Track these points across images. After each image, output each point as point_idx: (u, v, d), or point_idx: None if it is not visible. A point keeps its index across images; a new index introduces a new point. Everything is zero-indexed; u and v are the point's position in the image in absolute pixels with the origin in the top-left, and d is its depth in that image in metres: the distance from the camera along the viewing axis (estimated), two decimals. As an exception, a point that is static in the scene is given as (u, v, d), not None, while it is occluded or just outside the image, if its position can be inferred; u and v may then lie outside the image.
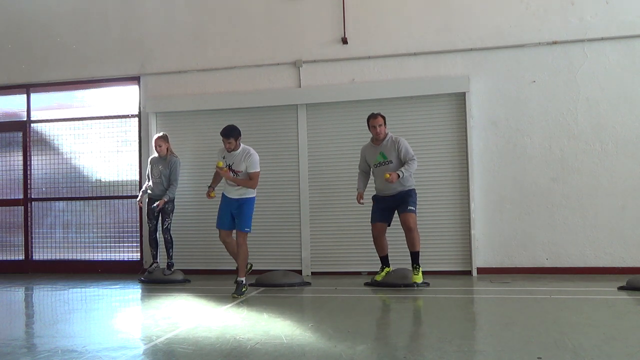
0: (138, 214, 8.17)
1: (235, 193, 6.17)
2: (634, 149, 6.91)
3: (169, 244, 7.19)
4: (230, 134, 6.01)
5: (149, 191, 7.32)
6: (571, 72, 7.09)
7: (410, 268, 6.40)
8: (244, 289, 6.00)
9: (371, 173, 6.64)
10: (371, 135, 6.55)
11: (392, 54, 7.53)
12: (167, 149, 7.22)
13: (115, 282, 7.28)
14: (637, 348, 3.74)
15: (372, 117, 6.46)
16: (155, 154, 7.32)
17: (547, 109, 7.13)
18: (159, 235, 7.29)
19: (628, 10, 6.99)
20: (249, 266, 6.49)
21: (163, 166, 7.20)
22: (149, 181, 7.37)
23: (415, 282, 6.29)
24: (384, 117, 6.46)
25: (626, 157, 6.92)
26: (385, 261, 6.57)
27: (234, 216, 6.17)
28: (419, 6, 7.51)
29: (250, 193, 6.18)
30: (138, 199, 7.56)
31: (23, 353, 4.03)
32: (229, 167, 6.12)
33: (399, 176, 6.09)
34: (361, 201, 6.57)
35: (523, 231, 7.12)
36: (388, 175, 6.05)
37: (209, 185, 6.45)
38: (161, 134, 7.32)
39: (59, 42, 8.54)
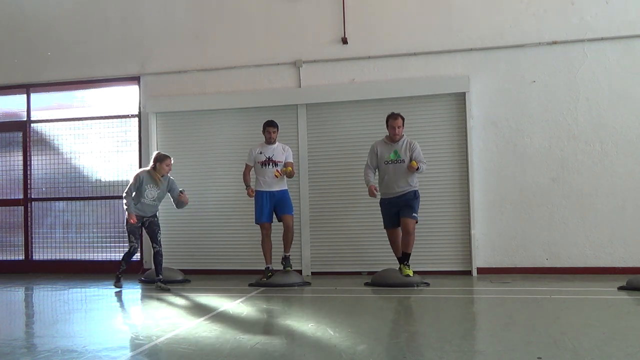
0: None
1: (277, 186, 6.83)
2: (634, 149, 6.91)
3: (160, 257, 6.69)
4: (276, 124, 6.89)
5: (139, 210, 6.64)
6: (571, 72, 7.09)
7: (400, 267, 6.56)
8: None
9: (376, 171, 6.68)
10: (380, 126, 6.76)
11: (392, 54, 7.53)
12: None
13: (115, 282, 7.28)
14: (637, 348, 3.74)
15: (392, 118, 6.58)
16: (145, 174, 6.71)
17: (547, 109, 7.12)
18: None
19: (628, 10, 6.98)
20: (269, 274, 6.83)
21: (161, 189, 6.71)
22: (133, 198, 6.66)
23: (415, 283, 6.39)
24: (403, 119, 6.59)
25: (626, 157, 6.92)
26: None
27: (278, 206, 6.82)
28: (419, 6, 7.50)
29: (285, 185, 6.92)
30: (133, 218, 6.58)
31: (23, 353, 4.03)
32: (269, 159, 6.78)
33: (418, 168, 6.34)
34: (376, 193, 6.59)
35: (523, 231, 7.12)
36: (414, 163, 6.29)
37: (247, 186, 6.89)
38: (166, 154, 6.84)
39: (59, 42, 8.54)
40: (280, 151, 6.87)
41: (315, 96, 7.62)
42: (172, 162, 6.80)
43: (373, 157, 6.67)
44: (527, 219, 7.11)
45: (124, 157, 8.34)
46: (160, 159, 6.73)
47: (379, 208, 6.71)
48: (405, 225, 6.44)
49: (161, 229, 6.89)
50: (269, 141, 6.87)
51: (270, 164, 6.80)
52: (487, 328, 4.69)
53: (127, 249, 6.77)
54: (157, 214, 6.89)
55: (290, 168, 6.76)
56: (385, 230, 6.70)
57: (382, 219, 6.70)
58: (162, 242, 6.82)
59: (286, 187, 6.91)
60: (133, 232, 6.64)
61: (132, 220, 6.58)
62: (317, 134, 7.66)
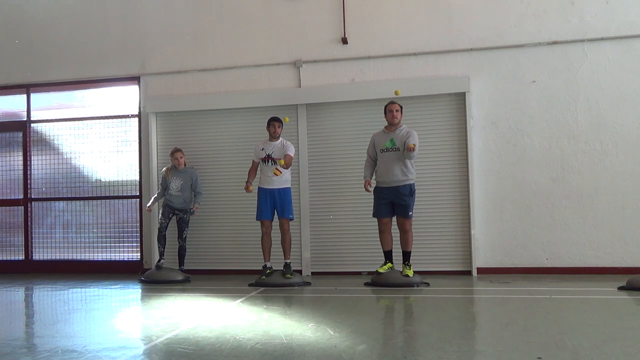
0: (138, 214, 8.18)
1: (277, 183, 6.77)
2: (634, 149, 6.91)
3: (184, 251, 7.50)
4: (281, 119, 6.89)
5: (168, 201, 7.44)
6: (571, 72, 7.09)
7: (402, 266, 6.60)
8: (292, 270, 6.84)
9: (376, 160, 6.69)
10: (380, 127, 6.74)
11: (392, 54, 7.53)
12: (184, 162, 7.57)
13: (115, 282, 7.28)
14: (636, 348, 3.74)
15: (390, 103, 6.62)
16: (168, 166, 7.58)
17: (547, 109, 7.13)
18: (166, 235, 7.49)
19: (628, 10, 6.99)
20: (268, 271, 6.87)
21: (183, 179, 7.43)
22: (162, 190, 7.55)
23: (415, 283, 6.41)
24: (401, 106, 6.63)
25: (626, 157, 6.92)
26: (389, 256, 6.64)
27: (277, 205, 6.79)
28: (419, 6, 7.51)
29: (288, 183, 6.87)
30: (149, 204, 7.55)
31: (23, 353, 4.03)
32: (269, 156, 6.77)
33: (414, 148, 6.20)
34: (369, 188, 6.66)
35: (523, 231, 7.12)
36: (412, 145, 6.19)
37: (247, 180, 6.94)
38: (177, 148, 7.58)
39: (59, 42, 8.54)
40: (280, 148, 6.79)
41: (315, 96, 7.62)
42: (182, 154, 7.51)
43: (371, 147, 6.71)
44: (527, 219, 7.12)
45: (124, 157, 8.34)
46: (171, 153, 7.55)
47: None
48: (402, 225, 6.53)
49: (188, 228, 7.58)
50: (273, 136, 6.85)
51: (270, 161, 6.78)
52: (487, 328, 4.68)
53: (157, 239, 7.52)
54: (188, 212, 7.49)
55: (282, 162, 6.50)
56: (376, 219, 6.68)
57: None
58: (178, 241, 7.49)
59: (289, 186, 6.88)
60: (163, 214, 7.47)
61: (147, 209, 7.57)
62: (317, 134, 7.66)
